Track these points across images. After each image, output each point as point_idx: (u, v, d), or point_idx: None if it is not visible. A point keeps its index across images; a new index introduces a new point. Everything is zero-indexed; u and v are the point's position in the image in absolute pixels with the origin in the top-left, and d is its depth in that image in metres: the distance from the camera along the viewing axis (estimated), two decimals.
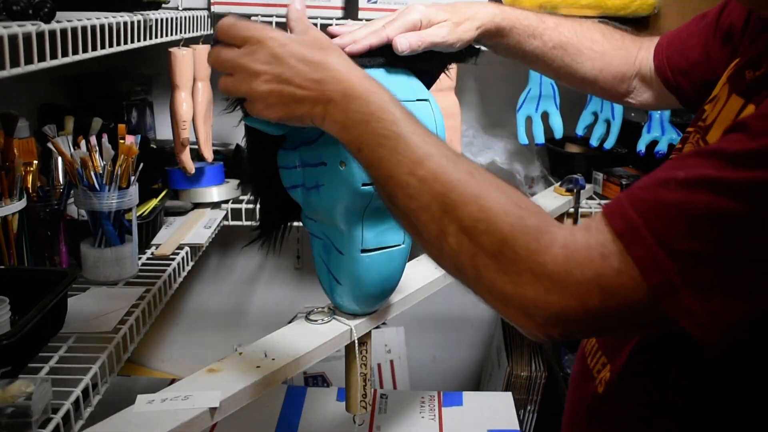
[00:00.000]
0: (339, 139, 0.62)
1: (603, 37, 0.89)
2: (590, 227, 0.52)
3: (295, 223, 0.89)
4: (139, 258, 1.13)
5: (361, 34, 0.75)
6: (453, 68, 1.38)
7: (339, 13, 1.43)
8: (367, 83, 0.61)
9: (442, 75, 0.88)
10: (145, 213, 1.22)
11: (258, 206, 0.87)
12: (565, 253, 0.51)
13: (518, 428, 1.25)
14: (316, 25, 1.42)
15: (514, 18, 0.85)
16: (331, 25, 0.82)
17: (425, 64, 0.79)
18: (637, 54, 0.89)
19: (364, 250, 0.78)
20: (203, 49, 1.32)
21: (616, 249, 0.50)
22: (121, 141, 1.03)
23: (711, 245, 0.48)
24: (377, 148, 0.58)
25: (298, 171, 0.79)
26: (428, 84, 0.83)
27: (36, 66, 0.72)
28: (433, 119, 0.77)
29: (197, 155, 1.38)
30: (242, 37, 0.64)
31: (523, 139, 1.50)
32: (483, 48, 0.89)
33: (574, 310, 0.51)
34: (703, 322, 0.49)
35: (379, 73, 0.75)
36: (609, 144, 1.49)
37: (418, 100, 0.76)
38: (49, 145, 1.04)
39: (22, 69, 0.70)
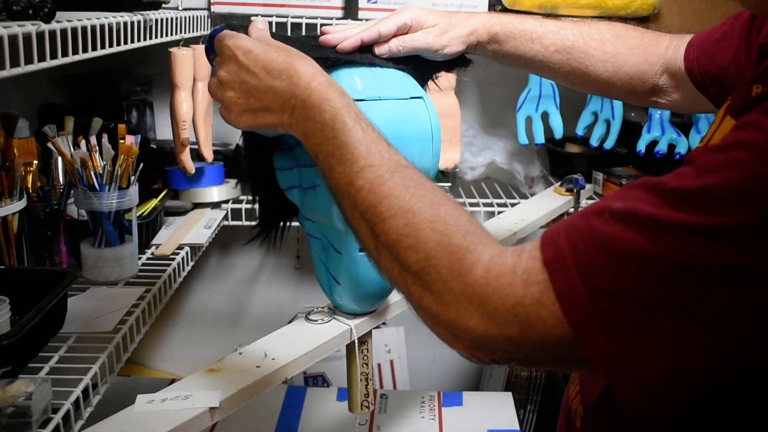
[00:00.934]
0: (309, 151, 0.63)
1: (616, 38, 0.84)
2: (523, 251, 0.49)
3: (295, 223, 0.89)
4: (139, 258, 1.13)
5: (352, 32, 0.75)
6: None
7: (339, 13, 1.44)
8: (325, 90, 0.61)
9: (443, 75, 0.88)
10: (145, 213, 1.22)
11: (257, 205, 0.87)
12: (487, 277, 0.48)
13: (518, 428, 1.25)
14: (315, 25, 1.43)
15: (509, 24, 0.82)
16: (331, 25, 0.82)
17: (409, 67, 0.80)
18: (662, 52, 0.84)
19: (362, 250, 0.78)
20: (203, 50, 1.32)
21: (540, 278, 0.47)
22: (121, 141, 1.03)
23: (633, 286, 0.44)
24: (329, 158, 0.59)
25: (294, 172, 0.79)
26: (422, 85, 0.83)
27: (36, 66, 0.72)
28: (427, 117, 0.77)
29: (197, 155, 1.38)
30: (220, 47, 0.67)
31: (523, 139, 1.50)
32: (483, 57, 0.88)
33: (494, 337, 0.48)
34: (617, 369, 0.45)
35: (370, 72, 0.75)
36: (609, 144, 1.49)
37: (411, 97, 0.76)
38: (49, 145, 1.04)
39: (22, 69, 0.70)
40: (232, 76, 0.65)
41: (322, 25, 1.38)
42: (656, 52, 0.84)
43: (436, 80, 0.86)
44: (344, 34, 0.75)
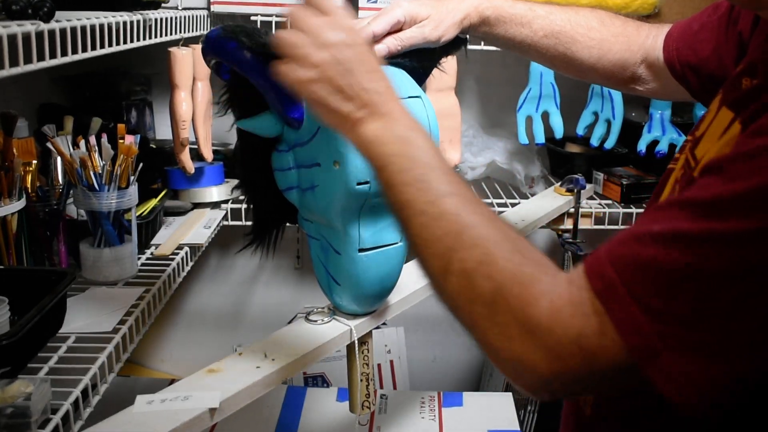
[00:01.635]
0: (363, 151, 0.61)
1: (601, 25, 0.87)
2: (573, 281, 0.50)
3: (292, 227, 0.89)
4: (139, 258, 1.13)
5: (380, 27, 0.75)
6: (453, 68, 1.39)
7: None
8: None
9: (443, 75, 0.88)
10: (145, 213, 1.21)
11: (251, 211, 0.87)
12: (551, 309, 0.49)
13: (518, 428, 1.25)
14: None
15: (500, 7, 0.84)
16: None
17: (412, 62, 0.79)
18: (642, 41, 0.86)
19: (361, 249, 0.78)
20: None
21: (595, 309, 0.48)
22: (121, 141, 1.03)
23: (688, 304, 0.45)
24: (404, 172, 0.58)
25: (293, 172, 0.79)
26: (421, 81, 0.83)
27: (35, 66, 0.72)
28: (426, 116, 0.77)
29: (197, 155, 1.38)
30: (324, 11, 0.63)
31: (524, 139, 1.50)
32: (481, 39, 0.89)
33: (557, 371, 0.49)
34: (682, 387, 0.46)
35: None
36: (609, 144, 1.49)
37: (409, 97, 0.76)
38: (49, 145, 1.04)
39: (22, 69, 0.70)
40: (334, 38, 0.61)
41: None
42: (637, 41, 0.87)
43: (440, 67, 0.86)
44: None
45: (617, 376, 0.48)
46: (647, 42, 0.86)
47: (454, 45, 0.84)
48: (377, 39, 0.76)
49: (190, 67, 1.30)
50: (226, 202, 1.45)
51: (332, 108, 0.61)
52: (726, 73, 0.72)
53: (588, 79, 0.91)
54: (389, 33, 0.77)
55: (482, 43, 1.45)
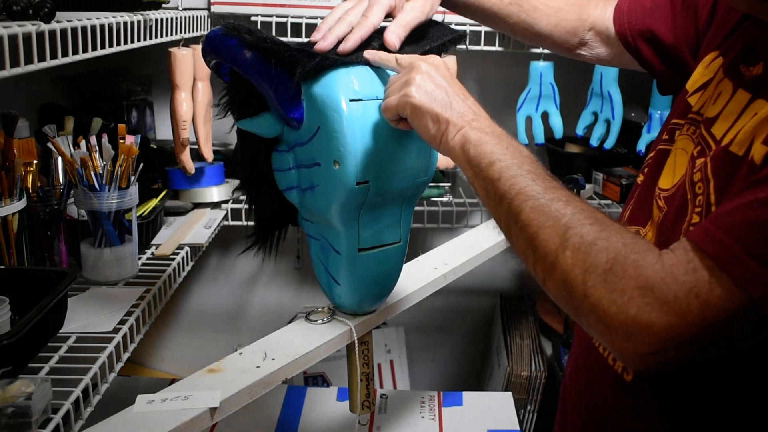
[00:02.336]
0: (466, 148, 0.65)
1: None
2: (679, 248, 0.55)
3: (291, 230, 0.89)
4: (139, 258, 1.13)
5: (342, 30, 0.75)
6: (453, 68, 1.39)
7: None
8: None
9: None
10: (145, 213, 1.22)
11: (252, 213, 0.87)
12: (665, 269, 0.53)
13: (518, 428, 1.25)
14: (315, 25, 1.43)
15: None
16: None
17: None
18: (591, 10, 0.92)
19: (361, 249, 0.78)
20: None
21: (707, 266, 0.52)
22: (121, 141, 1.03)
23: None
24: (515, 166, 0.63)
25: (293, 172, 0.79)
26: None
27: (36, 66, 0.72)
28: None
29: (197, 155, 1.38)
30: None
31: (523, 139, 1.50)
32: (455, 9, 0.91)
33: (674, 325, 0.52)
34: None
35: (366, 72, 0.75)
36: (609, 144, 1.49)
37: None
38: (49, 145, 1.04)
39: (22, 69, 0.70)
40: (439, 69, 0.70)
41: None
42: (587, 10, 0.92)
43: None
44: (336, 35, 0.75)
45: (731, 325, 0.52)
46: (596, 11, 0.91)
47: (453, 40, 0.84)
48: (376, 28, 0.77)
49: (190, 68, 1.30)
50: (226, 202, 1.45)
51: (439, 115, 0.67)
52: (682, 49, 0.79)
53: (542, 45, 0.97)
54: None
55: (482, 43, 1.46)
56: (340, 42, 0.75)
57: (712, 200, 0.60)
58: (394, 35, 0.76)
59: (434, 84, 0.68)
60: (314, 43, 0.75)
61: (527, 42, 0.96)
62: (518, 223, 0.61)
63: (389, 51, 0.76)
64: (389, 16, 0.79)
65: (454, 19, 1.22)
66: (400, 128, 0.71)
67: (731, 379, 0.63)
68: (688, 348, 0.54)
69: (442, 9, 0.88)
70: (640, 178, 0.78)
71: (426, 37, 0.81)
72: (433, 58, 0.72)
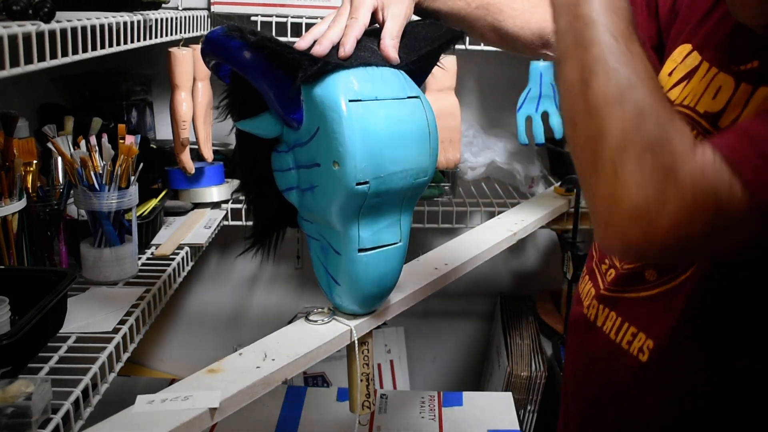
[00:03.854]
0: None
1: None
2: (706, 148, 0.53)
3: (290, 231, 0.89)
4: (139, 258, 1.13)
5: (335, 35, 0.76)
6: (453, 68, 1.39)
7: None
8: None
9: (443, 75, 0.88)
10: (145, 213, 1.22)
11: (251, 214, 0.87)
12: (695, 162, 0.52)
13: (518, 428, 1.25)
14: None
15: None
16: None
17: (410, 64, 0.80)
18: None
19: (361, 250, 0.78)
20: None
21: (729, 170, 0.52)
22: (121, 141, 1.03)
23: None
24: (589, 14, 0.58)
25: (293, 173, 0.79)
26: (420, 81, 0.83)
27: (36, 66, 0.72)
28: (424, 116, 0.77)
29: (197, 155, 1.38)
30: None
31: (523, 139, 1.50)
32: (427, 14, 0.91)
33: (686, 213, 0.51)
34: None
35: (365, 73, 0.75)
36: None
37: (408, 97, 0.76)
38: (49, 145, 1.04)
39: (22, 69, 0.70)
40: None
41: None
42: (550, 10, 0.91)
43: (439, 64, 0.88)
44: (331, 40, 0.75)
45: (736, 232, 0.52)
46: None
47: (450, 41, 0.84)
48: (366, 27, 0.78)
49: (190, 68, 1.30)
50: (226, 202, 1.45)
51: None
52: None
53: (510, 48, 0.97)
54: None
55: (482, 43, 1.46)
56: (336, 47, 0.75)
57: None
58: (392, 49, 0.77)
59: None
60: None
61: (495, 46, 0.97)
62: (582, 56, 0.56)
63: (390, 63, 0.77)
64: (373, 17, 0.79)
65: None
66: None
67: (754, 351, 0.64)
68: (691, 245, 0.53)
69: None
70: None
71: (421, 40, 0.81)
72: None
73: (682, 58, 0.73)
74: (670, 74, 0.74)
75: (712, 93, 0.68)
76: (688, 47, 0.73)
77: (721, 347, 0.67)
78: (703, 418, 0.69)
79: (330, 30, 0.76)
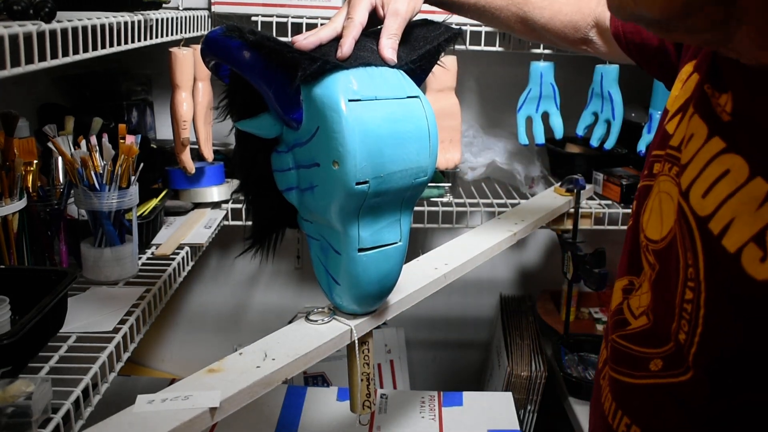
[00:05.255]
0: None
1: None
2: None
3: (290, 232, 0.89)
4: (139, 258, 1.13)
5: (325, 34, 0.75)
6: (453, 68, 1.39)
7: None
8: None
9: (443, 75, 0.88)
10: (146, 213, 1.22)
11: (251, 215, 0.87)
12: None
13: (518, 428, 1.25)
14: (315, 25, 1.43)
15: None
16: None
17: (409, 63, 0.80)
18: (594, 7, 0.90)
19: (361, 249, 0.78)
20: None
21: None
22: (122, 141, 1.03)
23: None
24: None
25: (292, 173, 0.79)
26: (420, 81, 0.83)
27: (36, 66, 0.72)
28: (424, 116, 0.77)
29: (197, 155, 1.39)
30: None
31: (523, 139, 1.50)
32: (441, 5, 0.90)
33: None
34: None
35: (365, 72, 0.75)
36: (609, 144, 1.49)
37: (408, 97, 0.76)
38: (50, 144, 1.04)
39: (23, 69, 0.70)
40: None
41: (322, 25, 1.37)
42: (589, 5, 0.90)
43: (440, 63, 0.86)
44: (319, 38, 0.75)
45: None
46: (598, 9, 0.89)
47: (449, 39, 0.84)
48: (363, 27, 0.77)
49: (190, 68, 1.30)
50: (226, 202, 1.45)
51: None
52: (669, 52, 0.75)
53: (542, 40, 0.94)
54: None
55: (482, 43, 1.46)
56: (335, 47, 0.75)
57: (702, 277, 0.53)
58: (390, 49, 0.76)
59: None
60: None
61: (527, 38, 0.94)
62: None
63: (374, 58, 0.76)
64: (373, 17, 0.78)
65: (454, 20, 1.22)
66: None
67: None
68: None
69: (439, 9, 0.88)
70: (632, 208, 0.71)
71: (420, 39, 0.81)
72: None
73: (684, 79, 0.66)
74: (675, 98, 0.67)
75: (687, 139, 0.59)
76: (691, 67, 0.66)
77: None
78: None
79: (323, 29, 0.76)
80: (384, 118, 0.73)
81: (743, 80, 0.54)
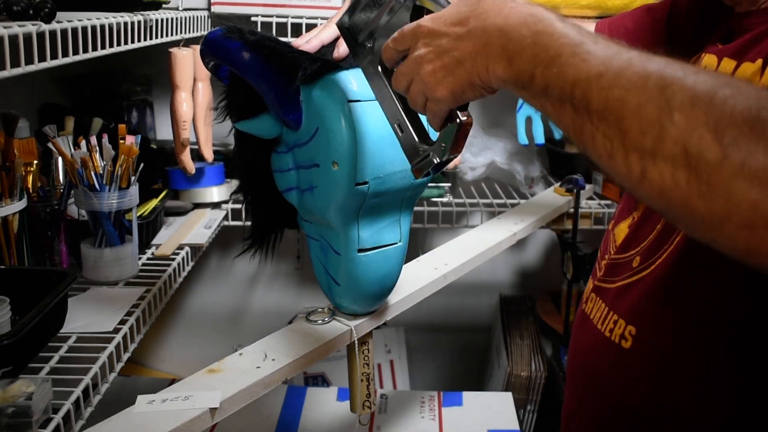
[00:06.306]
0: (513, 85, 0.52)
1: None
2: None
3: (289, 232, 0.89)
4: (140, 258, 1.13)
5: (326, 35, 0.75)
6: None
7: None
8: (526, 7, 0.52)
9: None
10: (146, 213, 1.22)
11: (250, 215, 0.87)
12: None
13: (518, 428, 1.25)
14: (315, 25, 1.44)
15: None
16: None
17: None
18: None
19: (360, 250, 0.78)
20: None
21: None
22: (122, 141, 1.03)
23: None
24: (559, 59, 0.49)
25: (292, 173, 0.79)
26: None
27: (36, 66, 0.73)
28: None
29: (197, 155, 1.39)
30: (406, 35, 0.59)
31: (523, 139, 1.50)
32: None
33: None
34: None
35: (361, 73, 0.75)
36: None
37: None
38: (50, 145, 1.04)
39: (23, 69, 0.70)
40: (425, 49, 0.57)
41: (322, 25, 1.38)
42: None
43: None
44: (320, 39, 0.75)
45: None
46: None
47: None
48: None
49: (190, 68, 1.30)
50: (226, 202, 1.45)
51: (463, 82, 0.56)
52: None
53: None
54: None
55: None
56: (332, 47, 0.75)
57: None
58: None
59: (435, 54, 0.55)
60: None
61: None
62: (591, 115, 0.48)
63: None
64: None
65: None
66: None
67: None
68: None
69: None
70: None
71: None
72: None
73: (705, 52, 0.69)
74: None
75: None
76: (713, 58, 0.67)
77: (702, 331, 0.63)
78: (688, 407, 0.66)
79: (323, 30, 0.76)
80: (383, 118, 0.73)
81: None
